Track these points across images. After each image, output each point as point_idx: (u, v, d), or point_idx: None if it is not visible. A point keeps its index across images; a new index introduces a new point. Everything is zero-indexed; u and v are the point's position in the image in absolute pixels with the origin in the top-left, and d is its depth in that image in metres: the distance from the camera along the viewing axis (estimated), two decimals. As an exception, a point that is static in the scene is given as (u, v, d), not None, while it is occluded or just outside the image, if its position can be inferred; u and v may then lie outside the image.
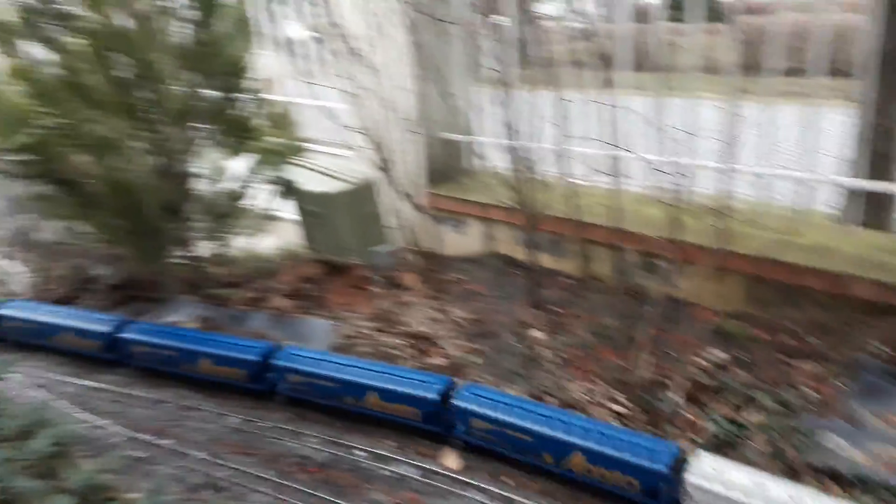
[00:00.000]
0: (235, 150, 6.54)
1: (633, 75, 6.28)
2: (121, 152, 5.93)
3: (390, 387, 4.79)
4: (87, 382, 5.47)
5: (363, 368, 4.96)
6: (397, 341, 5.83)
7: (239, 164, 6.66)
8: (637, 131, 5.47)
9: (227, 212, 6.66)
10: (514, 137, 5.77)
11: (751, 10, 7.69)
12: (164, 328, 5.89)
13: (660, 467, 3.96)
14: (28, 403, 4.85)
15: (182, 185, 6.38)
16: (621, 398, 5.03)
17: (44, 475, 3.41)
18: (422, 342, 5.83)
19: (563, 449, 4.24)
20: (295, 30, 8.83)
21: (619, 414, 4.92)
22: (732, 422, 4.65)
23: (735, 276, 5.57)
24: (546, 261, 6.57)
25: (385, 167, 6.57)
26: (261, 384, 5.31)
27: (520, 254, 6.75)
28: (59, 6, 5.70)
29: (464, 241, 7.29)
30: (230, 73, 6.25)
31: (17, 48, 5.86)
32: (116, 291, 6.98)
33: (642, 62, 5.98)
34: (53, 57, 5.81)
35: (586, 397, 5.11)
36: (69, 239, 6.65)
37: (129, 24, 5.62)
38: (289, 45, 8.88)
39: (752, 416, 4.67)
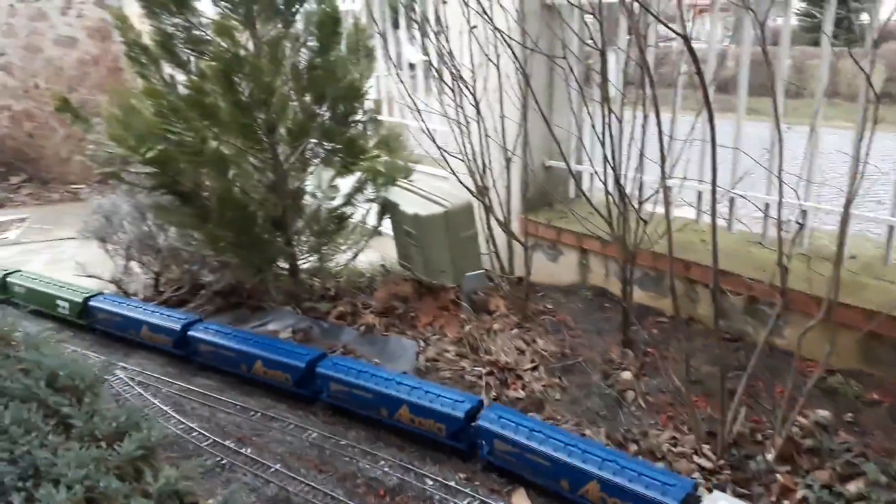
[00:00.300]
0: (347, 170, 6.76)
1: (754, 101, 5.94)
2: (237, 168, 6.30)
3: (421, 402, 4.91)
4: (181, 384, 5.77)
5: (399, 383, 5.10)
6: (479, 369, 5.78)
7: (348, 183, 6.88)
8: (750, 162, 5.15)
9: (333, 228, 6.90)
10: (616, 167, 5.61)
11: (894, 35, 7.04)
12: (227, 329, 6.18)
13: (670, 502, 3.78)
14: (126, 403, 5.25)
15: (292, 202, 6.66)
16: (708, 451, 4.75)
17: (129, 477, 3.60)
18: (503, 372, 5.75)
19: (579, 476, 4.16)
20: (408, 53, 9.05)
21: (703, 468, 4.64)
22: (830, 490, 4.27)
23: (849, 329, 5.11)
24: (641, 297, 6.32)
25: (482, 192, 6.58)
26: (305, 390, 5.55)
27: (614, 287, 6.53)
28: (194, 32, 6.16)
29: (556, 269, 7.15)
30: (348, 97, 6.46)
31: (156, 70, 6.37)
32: (222, 298, 7.36)
33: (767, 87, 5.60)
34: (182, 78, 6.27)
35: (671, 447, 4.86)
36: (183, 246, 7.13)
37: (253, 48, 5.96)
38: (400, 68, 9.10)
39: (853, 487, 4.26)
